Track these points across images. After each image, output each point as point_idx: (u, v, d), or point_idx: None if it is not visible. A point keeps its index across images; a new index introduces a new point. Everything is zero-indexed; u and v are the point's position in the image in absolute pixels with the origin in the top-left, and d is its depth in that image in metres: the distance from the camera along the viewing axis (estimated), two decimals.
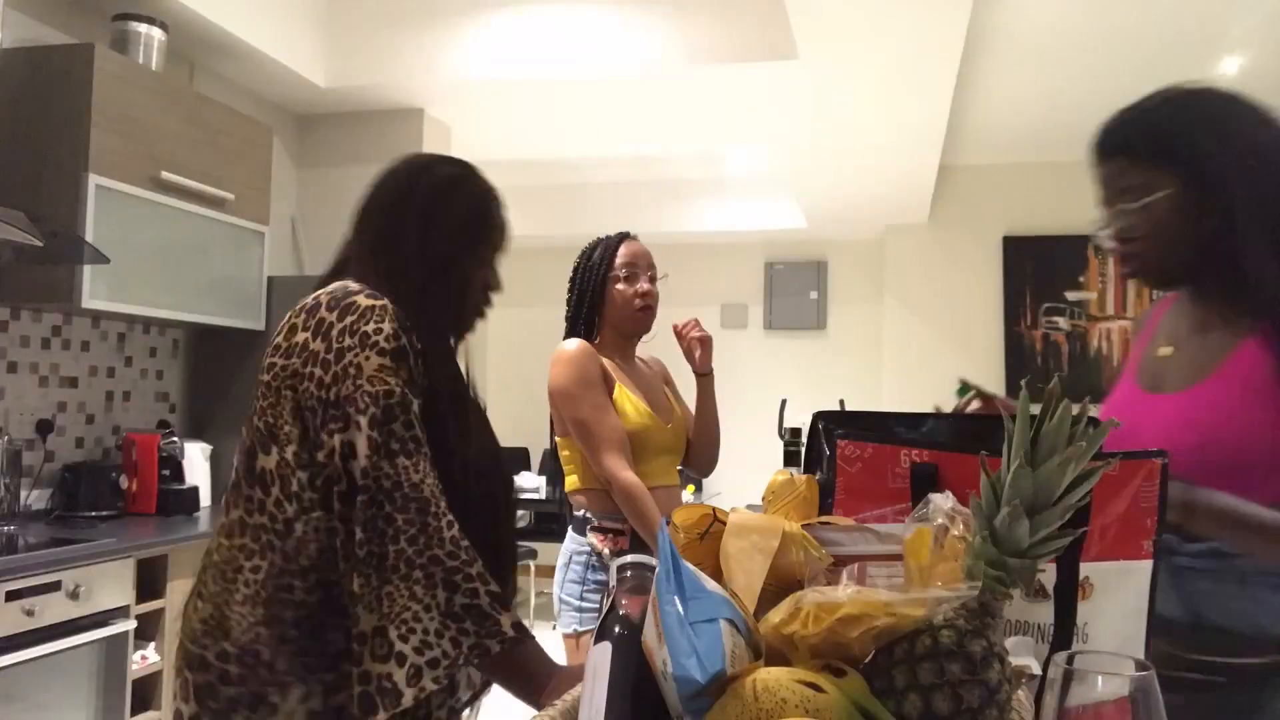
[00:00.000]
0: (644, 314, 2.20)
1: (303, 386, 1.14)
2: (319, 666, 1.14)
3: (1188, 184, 1.24)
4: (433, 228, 1.26)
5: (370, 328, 1.14)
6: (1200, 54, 3.67)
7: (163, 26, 3.03)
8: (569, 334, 2.21)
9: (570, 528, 2.14)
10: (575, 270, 2.26)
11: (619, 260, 2.20)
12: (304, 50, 3.62)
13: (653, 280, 2.23)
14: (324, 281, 1.28)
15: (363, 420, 1.10)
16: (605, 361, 2.13)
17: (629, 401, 2.11)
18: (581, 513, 2.11)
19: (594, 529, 2.08)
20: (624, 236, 2.26)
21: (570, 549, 2.11)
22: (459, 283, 1.28)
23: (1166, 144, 1.27)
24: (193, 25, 3.19)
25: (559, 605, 2.12)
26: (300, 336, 1.16)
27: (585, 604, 2.05)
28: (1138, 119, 1.31)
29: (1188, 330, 1.31)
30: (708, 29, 3.37)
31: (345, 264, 1.29)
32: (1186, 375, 1.27)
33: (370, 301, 1.16)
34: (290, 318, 1.20)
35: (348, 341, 1.13)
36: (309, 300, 1.20)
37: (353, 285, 1.20)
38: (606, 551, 2.05)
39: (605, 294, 2.19)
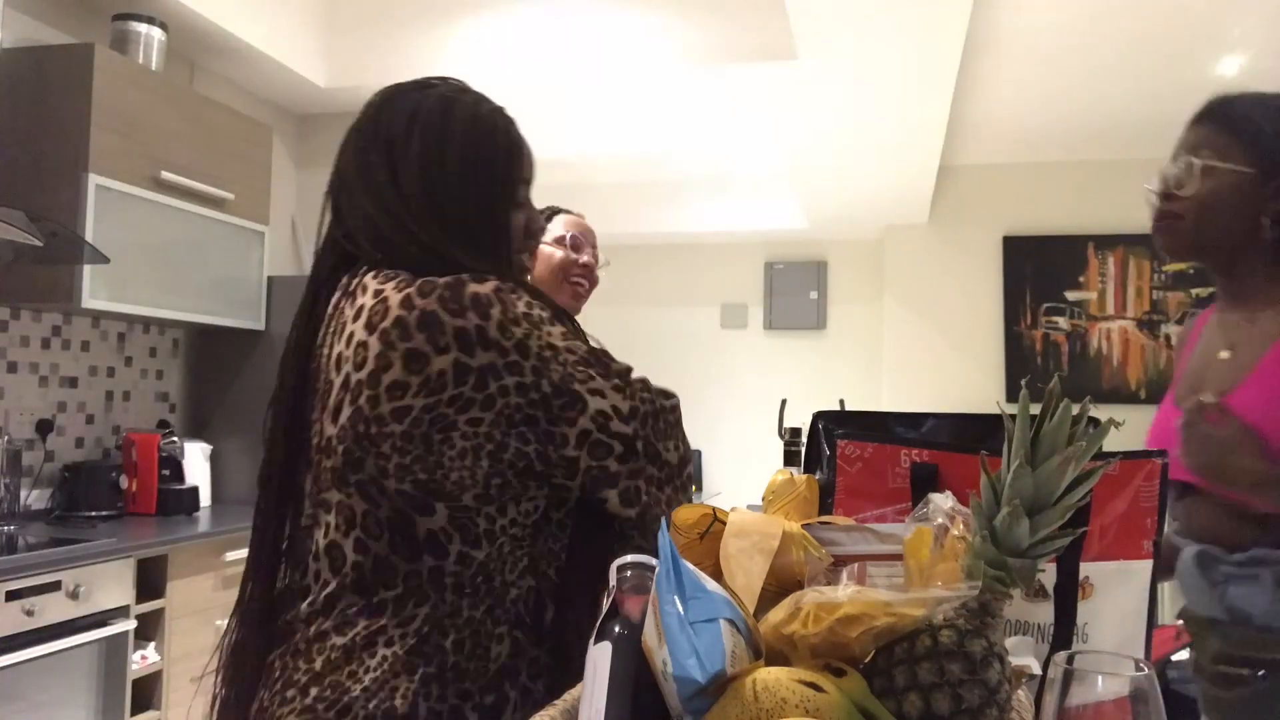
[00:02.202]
0: (574, 289, 1.92)
1: (498, 405, 0.95)
2: (480, 692, 0.98)
3: (1261, 177, 1.26)
4: (446, 175, 1.07)
5: (521, 307, 0.97)
6: (1200, 54, 3.67)
7: (163, 26, 3.03)
8: None
9: None
10: None
11: (559, 225, 1.93)
12: (304, 50, 3.62)
13: (595, 260, 1.97)
14: (329, 275, 1.08)
15: (600, 382, 0.99)
16: None
17: None
18: None
19: None
20: (564, 210, 1.99)
21: None
22: (498, 236, 1.10)
23: (1262, 135, 1.29)
24: (193, 25, 3.19)
25: None
26: (442, 362, 0.94)
27: None
28: (1248, 106, 1.34)
29: (1234, 337, 1.33)
30: (708, 29, 3.37)
31: (390, 245, 1.05)
32: (1225, 380, 1.29)
33: (486, 286, 0.97)
34: (395, 345, 0.95)
35: (519, 332, 0.96)
36: (404, 312, 0.95)
37: (422, 280, 0.98)
38: None
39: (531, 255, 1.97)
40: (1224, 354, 1.32)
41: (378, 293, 0.99)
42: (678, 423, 1.06)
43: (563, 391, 0.97)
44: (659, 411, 1.03)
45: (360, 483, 0.98)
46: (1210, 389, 1.29)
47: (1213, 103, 1.34)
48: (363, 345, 0.97)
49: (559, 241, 1.92)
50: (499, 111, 1.13)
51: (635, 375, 1.04)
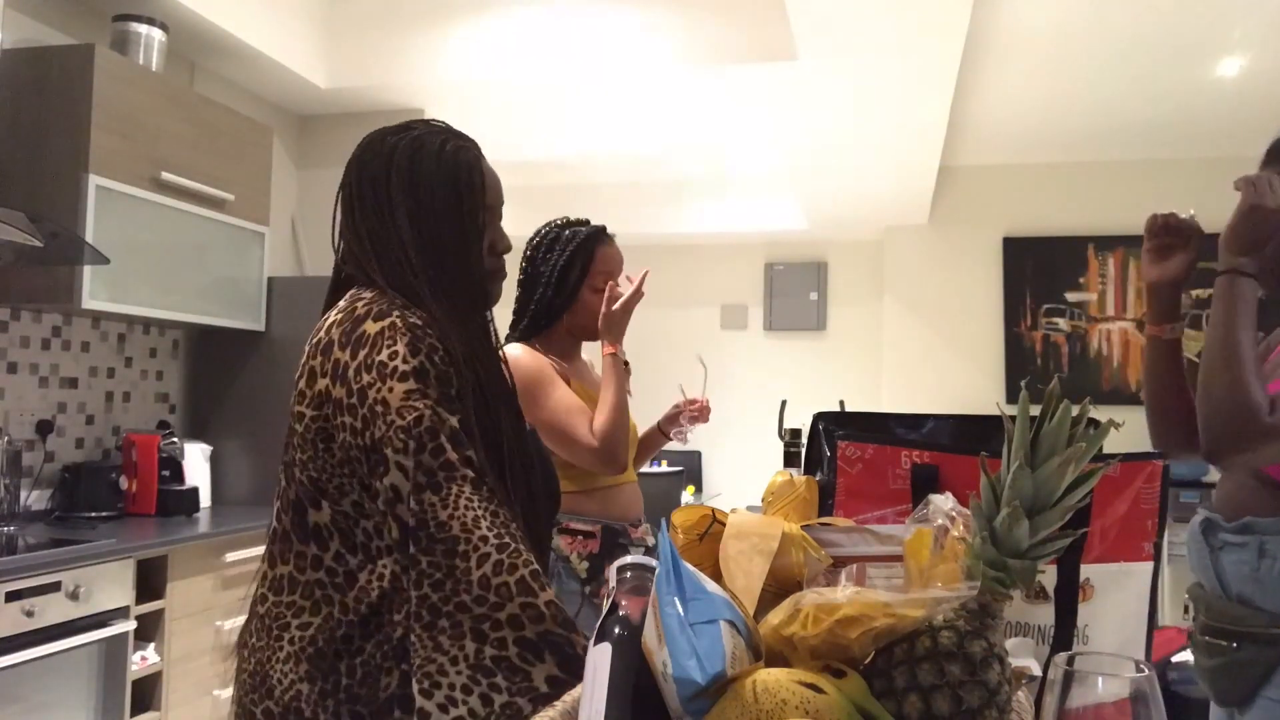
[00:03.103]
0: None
1: (340, 439, 1.08)
2: (371, 715, 1.08)
3: None
4: (422, 210, 1.19)
5: (384, 355, 1.07)
6: (1200, 56, 3.67)
7: (163, 27, 3.03)
8: (517, 326, 2.05)
9: None
10: (534, 258, 2.04)
11: (599, 266, 2.03)
12: (304, 51, 3.63)
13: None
14: (331, 295, 1.24)
15: (403, 459, 1.03)
16: (551, 360, 2.00)
17: (583, 397, 1.97)
18: None
19: (560, 530, 1.93)
20: (601, 235, 2.07)
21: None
22: (466, 259, 1.20)
23: None
24: (193, 26, 3.19)
25: None
26: (321, 384, 1.10)
27: None
28: None
29: None
30: (708, 29, 3.37)
31: (346, 272, 1.24)
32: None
33: (378, 325, 1.09)
34: (308, 359, 1.13)
35: (366, 379, 1.06)
36: (321, 335, 1.13)
37: (360, 304, 1.13)
38: (574, 556, 1.92)
39: (578, 297, 2.01)
40: None
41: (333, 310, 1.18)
42: (439, 558, 1.00)
43: (376, 450, 1.05)
44: (417, 527, 1.01)
45: (285, 464, 1.15)
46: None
47: (1277, 143, 1.43)
48: (304, 352, 1.16)
49: (594, 289, 2.00)
50: (463, 149, 1.23)
51: (435, 498, 1.02)
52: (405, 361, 1.06)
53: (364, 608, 1.09)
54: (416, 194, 1.19)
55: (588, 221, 2.08)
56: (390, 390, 1.05)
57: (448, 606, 0.98)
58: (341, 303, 1.17)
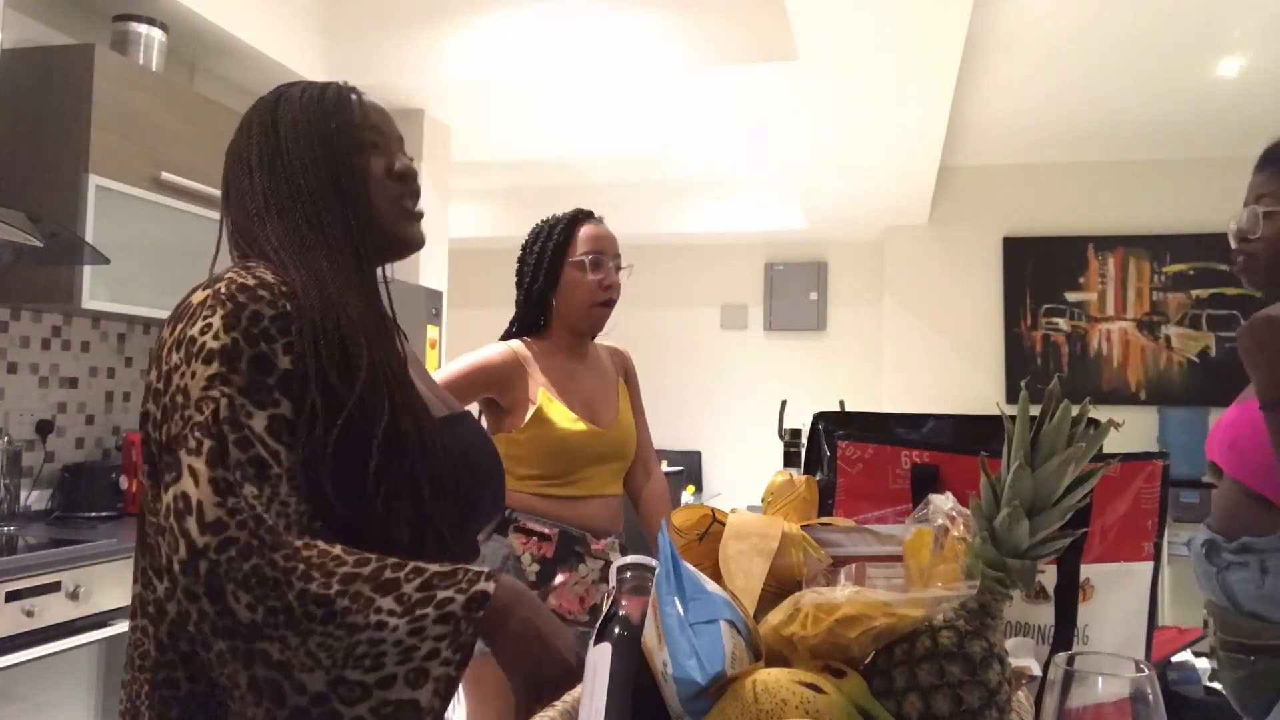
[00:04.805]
0: (603, 309, 1.95)
1: (150, 433, 0.91)
2: None
3: None
4: (281, 150, 1.03)
5: (196, 329, 0.89)
6: (1200, 56, 3.67)
7: (163, 27, 3.03)
8: (509, 331, 1.99)
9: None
10: (523, 256, 1.98)
11: (581, 244, 1.93)
12: (304, 51, 3.62)
13: (618, 270, 1.97)
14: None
15: (197, 462, 0.84)
16: (536, 365, 1.91)
17: (554, 409, 1.88)
18: (507, 511, 1.86)
19: (516, 528, 1.84)
20: (581, 214, 1.98)
21: (492, 552, 1.84)
22: (351, 195, 1.03)
23: None
24: (193, 26, 3.19)
25: None
26: (151, 371, 0.94)
27: None
28: None
29: None
30: (708, 30, 3.37)
31: (241, 241, 1.07)
32: (1249, 387, 1.44)
33: (204, 294, 0.92)
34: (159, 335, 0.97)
35: (174, 359, 0.89)
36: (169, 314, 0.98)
37: (206, 283, 0.96)
38: (526, 556, 1.83)
39: (559, 280, 1.92)
40: None
41: None
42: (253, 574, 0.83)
43: (170, 449, 0.87)
44: (240, 551, 0.82)
45: (144, 437, 0.95)
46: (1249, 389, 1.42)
47: (1268, 150, 1.50)
48: None
49: (579, 266, 1.92)
50: (329, 85, 1.09)
51: (255, 490, 0.85)
52: (216, 338, 0.88)
53: (183, 644, 0.90)
54: (276, 134, 1.04)
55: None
56: (193, 376, 0.88)
57: (332, 588, 0.83)
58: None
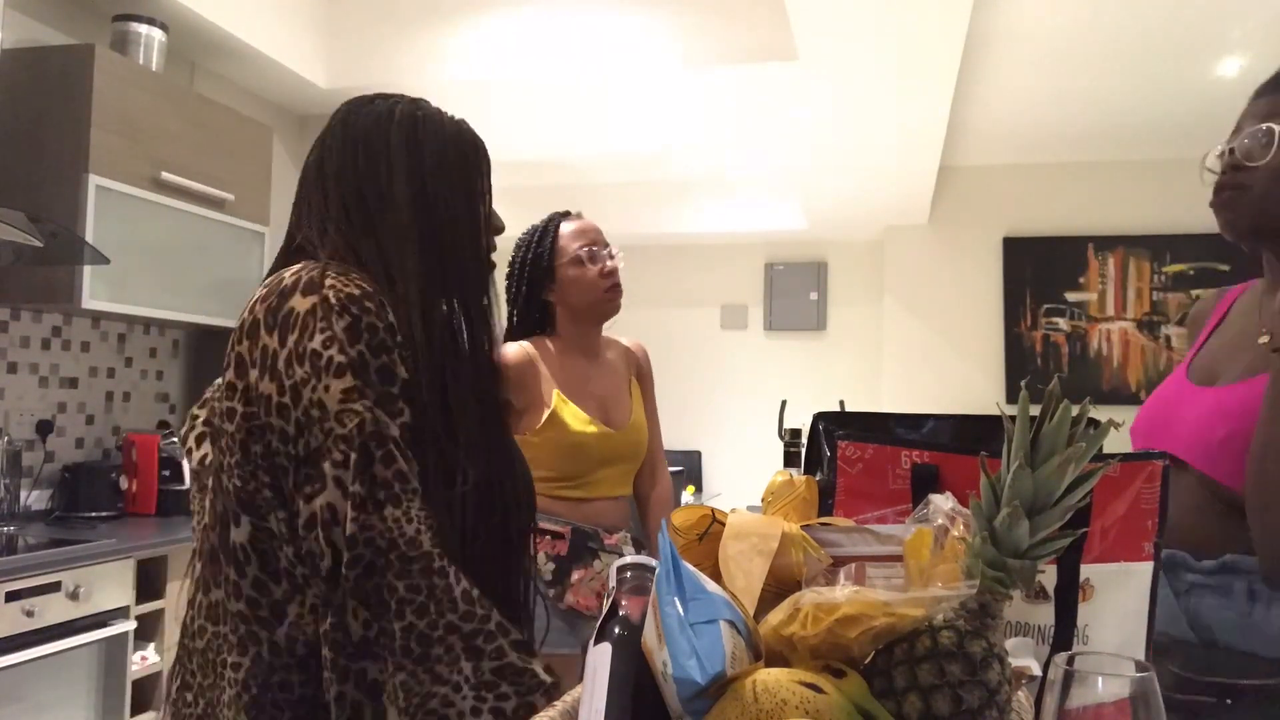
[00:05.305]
0: (613, 294, 1.98)
1: (269, 443, 0.92)
2: None
3: None
4: (426, 169, 1.05)
5: (318, 343, 0.90)
6: (1200, 55, 3.67)
7: (163, 27, 3.03)
8: (511, 335, 2.00)
9: None
10: (515, 263, 2.01)
11: (570, 241, 1.97)
12: (304, 50, 3.62)
13: (612, 256, 2.01)
14: (283, 260, 1.08)
15: (344, 475, 0.88)
16: (549, 366, 1.93)
17: (568, 411, 1.91)
18: None
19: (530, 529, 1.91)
20: (558, 215, 2.02)
21: None
22: (473, 227, 1.07)
23: None
24: (193, 26, 3.19)
25: None
26: (253, 376, 0.93)
27: None
28: None
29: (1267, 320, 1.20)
30: (708, 30, 3.37)
31: (299, 242, 1.08)
32: (1242, 369, 1.21)
33: (307, 301, 0.92)
34: (233, 345, 0.96)
35: (299, 374, 0.90)
36: (246, 315, 0.96)
37: (288, 274, 0.96)
38: (540, 556, 1.84)
39: (556, 280, 1.96)
40: (1263, 339, 1.20)
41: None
42: (418, 579, 0.88)
43: (310, 463, 0.90)
44: (388, 549, 0.87)
45: (214, 470, 0.99)
46: (1238, 371, 1.19)
47: (1277, 75, 1.24)
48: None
49: (577, 262, 1.95)
50: (463, 120, 1.15)
51: (397, 511, 0.89)
52: (343, 352, 0.90)
53: (300, 647, 0.92)
54: (421, 152, 1.06)
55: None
56: (327, 390, 0.89)
57: (437, 631, 0.87)
58: (283, 270, 1.00)
